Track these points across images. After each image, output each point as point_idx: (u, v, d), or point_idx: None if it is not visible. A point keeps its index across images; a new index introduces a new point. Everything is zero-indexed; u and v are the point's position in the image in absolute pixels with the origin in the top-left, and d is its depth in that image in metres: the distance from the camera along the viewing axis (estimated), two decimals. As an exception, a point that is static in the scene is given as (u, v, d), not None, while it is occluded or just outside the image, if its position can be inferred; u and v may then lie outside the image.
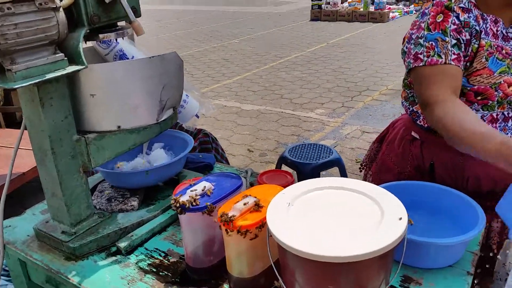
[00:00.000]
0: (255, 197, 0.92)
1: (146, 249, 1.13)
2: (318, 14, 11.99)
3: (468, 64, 1.18)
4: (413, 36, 1.21)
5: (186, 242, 1.01)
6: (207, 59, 7.93)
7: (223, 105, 5.23)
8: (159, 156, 1.45)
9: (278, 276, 0.82)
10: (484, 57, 1.16)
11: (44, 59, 0.98)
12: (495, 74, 1.17)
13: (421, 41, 1.17)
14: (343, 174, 2.44)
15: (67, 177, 1.09)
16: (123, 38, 1.25)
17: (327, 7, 11.89)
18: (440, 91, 1.12)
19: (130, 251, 1.12)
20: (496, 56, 1.17)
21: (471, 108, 1.22)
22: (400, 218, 0.76)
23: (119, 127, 1.14)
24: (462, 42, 1.15)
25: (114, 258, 1.10)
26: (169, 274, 1.03)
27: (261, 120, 4.71)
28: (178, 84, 1.25)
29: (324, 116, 4.71)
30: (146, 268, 1.05)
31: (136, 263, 1.07)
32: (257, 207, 0.90)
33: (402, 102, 1.44)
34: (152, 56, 1.14)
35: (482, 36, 1.17)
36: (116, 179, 1.35)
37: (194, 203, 0.93)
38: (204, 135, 2.24)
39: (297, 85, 5.97)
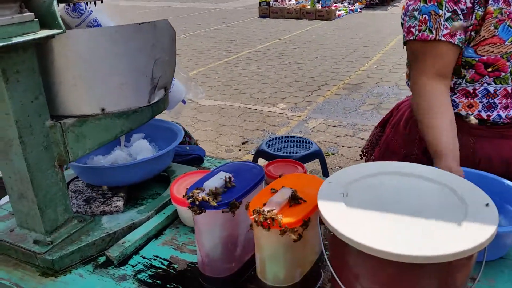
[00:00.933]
0: (291, 188, 0.76)
1: (144, 257, 0.92)
2: (266, 11, 11.97)
3: (474, 33, 1.11)
4: (409, 8, 1.17)
5: (202, 246, 0.82)
6: (157, 54, 7.56)
7: (179, 100, 4.96)
8: (142, 147, 1.24)
9: (337, 278, 0.66)
10: (492, 24, 1.10)
11: (8, 18, 0.76)
12: (506, 43, 1.10)
13: (415, 13, 1.14)
14: (324, 166, 2.33)
15: (40, 174, 0.87)
16: (102, 2, 1.04)
17: (275, 4, 11.90)
18: (423, 72, 1.14)
19: (123, 261, 0.91)
20: (508, 24, 1.10)
21: (482, 81, 1.16)
22: (487, 204, 0.63)
23: (103, 110, 0.93)
24: (459, 13, 1.09)
25: (105, 270, 0.88)
26: (179, 286, 0.84)
27: (222, 116, 4.51)
28: (170, 60, 1.05)
29: (287, 111, 4.60)
30: (149, 280, 0.85)
31: (134, 275, 0.87)
32: (295, 200, 0.74)
33: (406, 82, 1.35)
34: (143, 23, 0.93)
35: (490, 2, 1.10)
36: (95, 176, 1.12)
37: (216, 199, 0.75)
38: (177, 128, 2.03)
39: (255, 80, 5.83)
